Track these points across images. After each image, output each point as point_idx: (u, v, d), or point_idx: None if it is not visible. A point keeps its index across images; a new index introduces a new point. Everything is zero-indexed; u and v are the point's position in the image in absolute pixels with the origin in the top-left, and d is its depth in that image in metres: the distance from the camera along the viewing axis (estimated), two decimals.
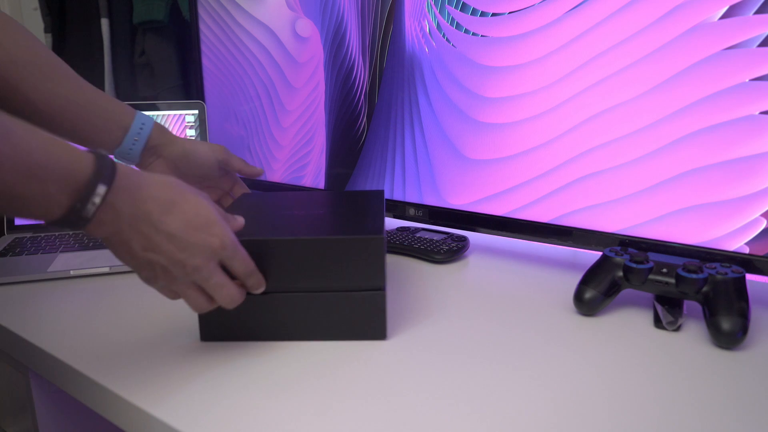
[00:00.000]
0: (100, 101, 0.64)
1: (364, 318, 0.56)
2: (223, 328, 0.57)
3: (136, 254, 0.46)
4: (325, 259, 0.54)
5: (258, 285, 0.53)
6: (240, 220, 0.54)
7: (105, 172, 0.42)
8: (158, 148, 0.68)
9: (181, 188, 0.48)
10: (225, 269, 0.51)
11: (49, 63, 0.62)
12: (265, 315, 0.56)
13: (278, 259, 0.54)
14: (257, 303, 0.55)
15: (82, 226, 0.43)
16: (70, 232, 0.90)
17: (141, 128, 0.65)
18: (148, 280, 0.48)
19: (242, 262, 0.51)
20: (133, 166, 0.67)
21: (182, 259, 0.47)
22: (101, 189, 0.42)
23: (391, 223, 0.93)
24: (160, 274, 0.47)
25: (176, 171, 0.69)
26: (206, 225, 0.48)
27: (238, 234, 0.53)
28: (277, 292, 0.55)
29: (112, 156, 0.58)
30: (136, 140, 0.65)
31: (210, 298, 0.50)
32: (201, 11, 1.05)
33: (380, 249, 0.54)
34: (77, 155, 0.42)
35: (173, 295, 0.50)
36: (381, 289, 0.55)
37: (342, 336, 0.57)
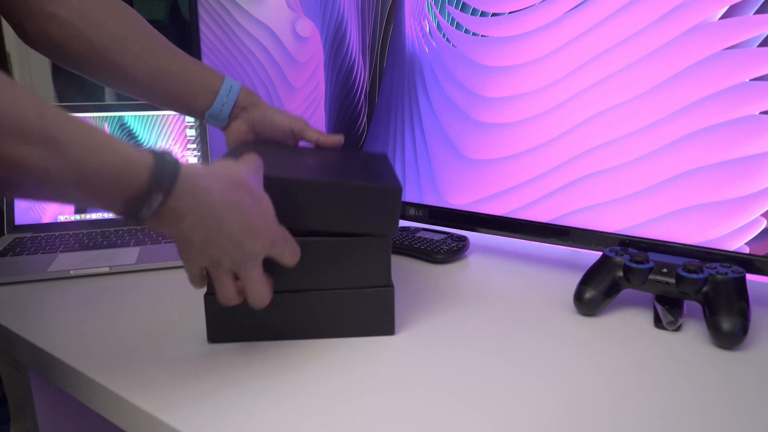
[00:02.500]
0: (192, 68, 0.68)
1: (373, 314, 0.56)
2: (231, 329, 0.56)
3: (194, 246, 0.47)
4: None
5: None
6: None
7: (163, 181, 0.42)
8: (244, 110, 0.71)
9: (248, 188, 0.48)
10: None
11: (145, 36, 0.66)
12: (274, 314, 0.56)
13: (296, 201, 0.54)
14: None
15: (141, 224, 0.43)
16: (71, 232, 0.90)
17: (229, 91, 0.69)
18: (189, 260, 0.49)
19: (292, 253, 0.53)
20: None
21: (235, 256, 0.48)
22: (157, 197, 0.42)
23: None
24: (206, 260, 0.48)
25: (253, 130, 0.72)
26: (264, 225, 0.49)
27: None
28: (286, 292, 0.55)
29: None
30: (225, 102, 0.69)
31: (239, 292, 0.51)
32: (201, 11, 1.05)
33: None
34: (132, 163, 0.41)
35: (200, 279, 0.50)
36: (388, 285, 0.56)
37: (351, 333, 0.57)
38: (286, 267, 0.53)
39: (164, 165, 0.42)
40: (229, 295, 0.50)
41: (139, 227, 0.44)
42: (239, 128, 0.71)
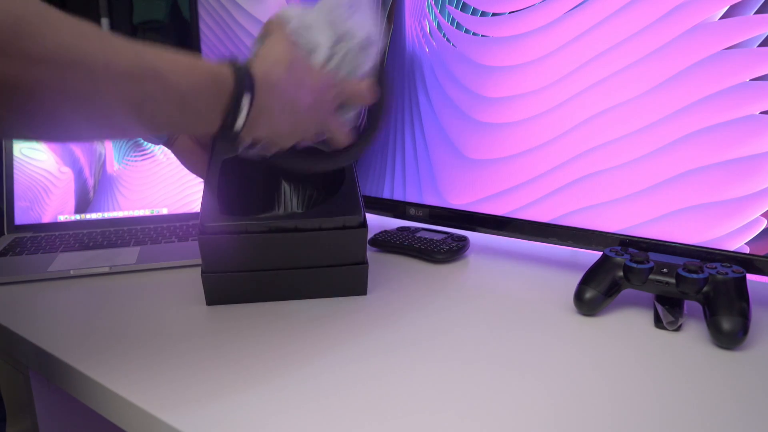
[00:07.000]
0: None
1: (350, 282, 0.67)
2: (227, 294, 0.65)
3: (279, 129, 0.51)
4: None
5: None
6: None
7: (245, 82, 0.47)
8: None
9: (300, 64, 0.52)
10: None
11: None
12: (263, 282, 0.65)
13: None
14: (252, 276, 0.64)
15: (234, 135, 0.48)
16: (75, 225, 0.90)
17: None
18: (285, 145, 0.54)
19: (358, 88, 0.56)
20: (162, 144, 0.73)
21: (318, 118, 0.53)
22: (246, 100, 0.46)
23: (392, 222, 0.93)
24: (297, 138, 0.54)
25: (197, 142, 0.72)
26: (322, 82, 0.53)
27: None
28: (272, 270, 0.64)
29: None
30: None
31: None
32: (201, 11, 1.05)
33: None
34: (218, 76, 0.46)
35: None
36: (364, 262, 0.66)
37: (331, 294, 0.67)
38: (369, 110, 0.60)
39: (241, 71, 0.47)
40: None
41: (232, 143, 0.50)
42: (185, 143, 0.71)
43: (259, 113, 0.48)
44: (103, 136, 0.47)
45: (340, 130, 0.56)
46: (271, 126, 0.50)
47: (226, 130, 0.47)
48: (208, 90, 0.45)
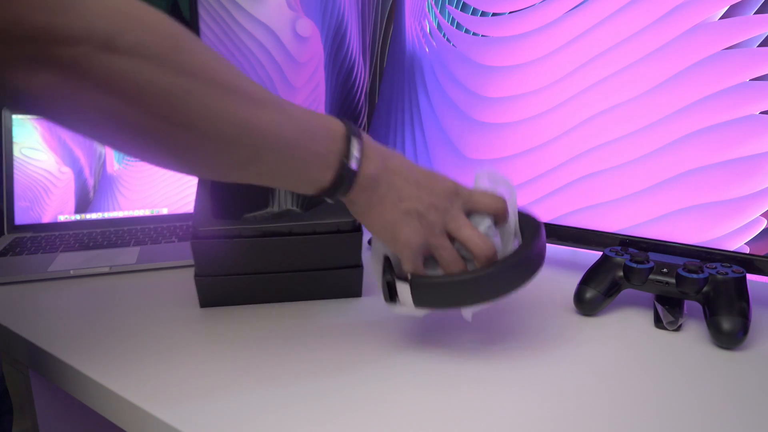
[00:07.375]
0: None
1: (344, 284, 0.67)
2: (220, 295, 0.65)
3: (395, 207, 0.49)
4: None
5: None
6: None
7: (353, 129, 0.48)
8: None
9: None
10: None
11: None
12: (257, 285, 0.65)
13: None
14: (245, 280, 0.64)
15: (351, 185, 0.47)
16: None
17: None
18: (409, 236, 0.50)
19: (483, 193, 0.54)
20: None
21: (433, 201, 0.50)
22: (356, 141, 0.47)
23: None
24: (417, 224, 0.50)
25: None
26: (435, 173, 0.53)
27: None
28: (266, 273, 0.64)
29: None
30: None
31: (459, 258, 0.52)
32: (201, 11, 1.05)
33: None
34: (324, 116, 0.47)
35: (420, 253, 0.51)
36: (359, 265, 0.66)
37: (325, 296, 0.67)
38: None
39: (346, 121, 0.48)
40: (452, 257, 0.51)
41: (343, 195, 0.49)
42: None
43: (373, 155, 0.48)
44: (223, 161, 0.44)
45: (473, 234, 0.50)
46: (392, 179, 0.49)
47: (344, 173, 0.46)
48: (321, 126, 0.46)
